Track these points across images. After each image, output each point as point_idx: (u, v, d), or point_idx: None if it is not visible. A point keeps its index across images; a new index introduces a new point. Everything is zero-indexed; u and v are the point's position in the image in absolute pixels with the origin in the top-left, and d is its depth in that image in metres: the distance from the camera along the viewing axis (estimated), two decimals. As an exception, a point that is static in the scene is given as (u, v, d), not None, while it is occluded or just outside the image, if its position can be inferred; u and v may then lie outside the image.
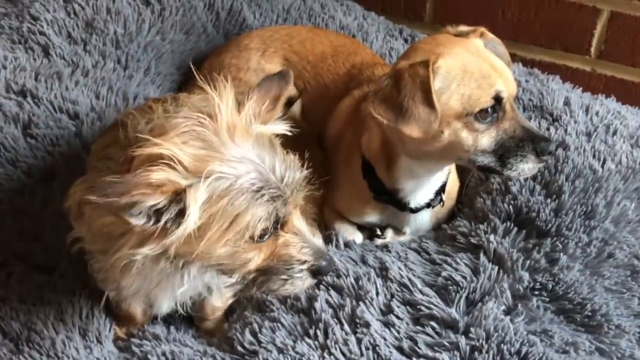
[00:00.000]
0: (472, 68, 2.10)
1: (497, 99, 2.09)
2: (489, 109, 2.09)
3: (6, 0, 3.29)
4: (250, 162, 1.62)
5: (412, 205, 2.44)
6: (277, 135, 1.83)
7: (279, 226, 1.72)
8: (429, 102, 2.04)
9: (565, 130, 2.65)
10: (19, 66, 2.91)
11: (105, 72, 3.00)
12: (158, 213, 1.56)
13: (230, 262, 1.71)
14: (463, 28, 2.32)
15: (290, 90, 2.77)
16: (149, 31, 3.22)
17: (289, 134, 1.84)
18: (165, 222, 1.57)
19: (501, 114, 2.11)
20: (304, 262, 1.77)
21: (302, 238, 1.77)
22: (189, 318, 2.38)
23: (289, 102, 2.68)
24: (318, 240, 1.82)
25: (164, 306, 2.12)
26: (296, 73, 2.82)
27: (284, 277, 1.77)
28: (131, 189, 1.50)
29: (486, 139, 2.11)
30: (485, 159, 2.14)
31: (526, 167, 2.13)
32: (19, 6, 3.20)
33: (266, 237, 1.70)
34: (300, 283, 1.79)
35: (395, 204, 2.45)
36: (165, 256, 1.69)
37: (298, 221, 1.78)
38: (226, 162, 1.60)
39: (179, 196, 1.55)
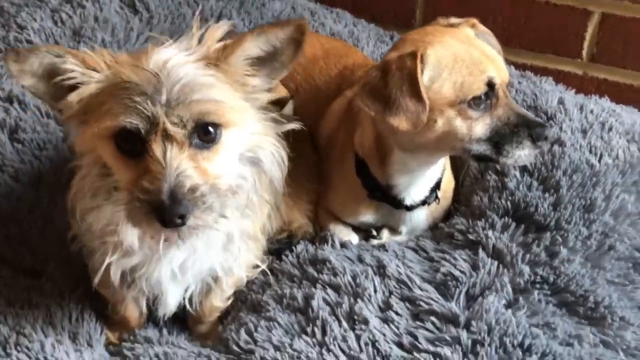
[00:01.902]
0: (463, 55, 2.08)
1: (490, 85, 2.06)
2: (482, 96, 2.06)
3: (-8, 11, 3.27)
4: (154, 76, 1.61)
5: (407, 202, 2.40)
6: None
7: (145, 148, 1.62)
8: (416, 94, 2.01)
9: (561, 128, 2.62)
10: (5, 73, 2.87)
11: (93, 78, 2.97)
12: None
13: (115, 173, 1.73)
14: (454, 20, 2.31)
15: (282, 91, 2.75)
16: (137, 39, 3.20)
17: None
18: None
19: (494, 100, 2.09)
20: (147, 191, 1.60)
21: (163, 170, 1.59)
22: (181, 321, 2.32)
23: (282, 104, 2.64)
24: (184, 181, 1.60)
25: (171, 299, 2.06)
26: (287, 76, 2.78)
27: (132, 203, 1.64)
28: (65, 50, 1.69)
29: (480, 126, 2.08)
30: (480, 147, 2.11)
31: (522, 153, 2.10)
32: (5, 16, 3.19)
33: (132, 155, 1.65)
34: (136, 213, 1.63)
35: (390, 201, 2.41)
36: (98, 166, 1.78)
37: (172, 153, 1.61)
38: (134, 67, 1.64)
39: (87, 74, 1.67)
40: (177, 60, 1.65)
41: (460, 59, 2.07)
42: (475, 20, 2.27)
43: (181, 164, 1.61)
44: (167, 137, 1.61)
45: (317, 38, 3.01)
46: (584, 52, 3.36)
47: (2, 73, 2.88)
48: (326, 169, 2.59)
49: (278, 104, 2.58)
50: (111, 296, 2.16)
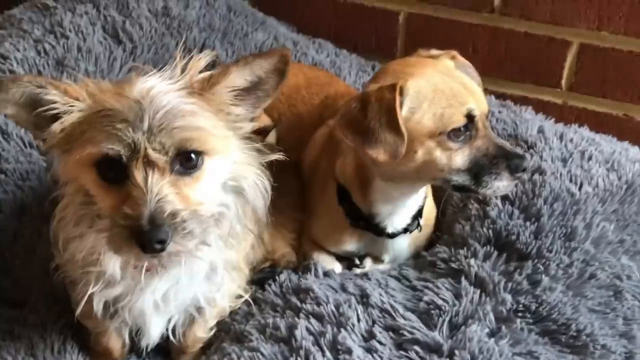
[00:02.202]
0: (443, 87, 2.10)
1: (469, 117, 2.09)
2: (462, 128, 2.08)
3: (-25, 41, 3.27)
4: (136, 102, 1.63)
5: (389, 230, 2.41)
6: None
7: (127, 175, 1.63)
8: (395, 126, 2.03)
9: (541, 157, 2.65)
10: (-13, 104, 2.87)
11: (76, 109, 2.97)
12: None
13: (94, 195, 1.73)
14: (435, 52, 2.33)
15: (265, 119, 2.76)
16: (120, 69, 3.21)
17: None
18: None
19: (474, 132, 2.11)
20: (127, 216, 1.61)
21: (144, 195, 1.60)
22: (164, 352, 2.31)
23: (265, 132, 2.65)
24: (164, 206, 1.61)
25: (153, 331, 2.05)
26: (270, 105, 2.80)
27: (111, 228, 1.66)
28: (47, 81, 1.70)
29: (460, 157, 2.10)
30: (459, 178, 2.13)
31: (501, 184, 2.12)
32: (-12, 46, 3.18)
33: (114, 181, 1.66)
34: (117, 238, 1.63)
35: (372, 229, 2.42)
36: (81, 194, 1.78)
37: (153, 179, 1.62)
38: (116, 95, 1.66)
39: (69, 104, 1.67)
40: (160, 89, 1.67)
41: (440, 90, 2.09)
42: (455, 52, 2.30)
43: (162, 189, 1.62)
44: (149, 163, 1.62)
45: (300, 67, 3.04)
46: (563, 82, 3.40)
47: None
48: (309, 198, 2.60)
49: (261, 133, 2.59)
50: (93, 327, 2.15)
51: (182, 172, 1.67)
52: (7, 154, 2.69)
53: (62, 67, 3.11)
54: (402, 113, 2.06)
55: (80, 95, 1.69)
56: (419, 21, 3.55)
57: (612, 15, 3.18)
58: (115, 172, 1.64)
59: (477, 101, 2.14)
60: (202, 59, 1.75)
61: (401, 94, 2.06)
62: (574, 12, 3.23)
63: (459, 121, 2.08)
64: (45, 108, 1.68)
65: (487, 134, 2.14)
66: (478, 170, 2.11)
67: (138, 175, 1.62)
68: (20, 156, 2.71)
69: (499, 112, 3.04)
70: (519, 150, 2.32)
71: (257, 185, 1.87)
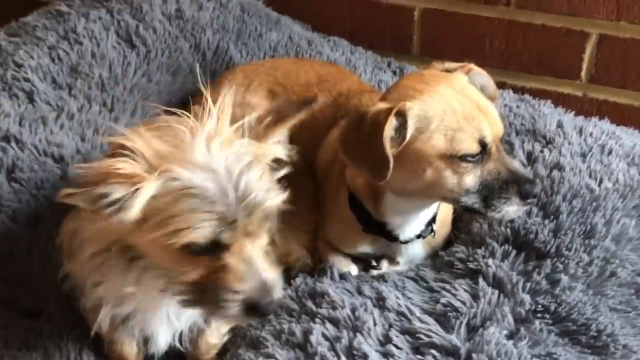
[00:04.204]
0: (455, 107, 2.05)
1: (482, 144, 2.05)
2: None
3: (-11, 50, 3.28)
4: (213, 173, 1.59)
5: (402, 238, 2.39)
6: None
7: (220, 247, 1.63)
8: (380, 150, 2.00)
9: (560, 152, 2.61)
10: (2, 112, 2.86)
11: (90, 114, 2.97)
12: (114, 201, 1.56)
13: (167, 269, 1.70)
14: (449, 64, 2.28)
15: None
16: (134, 74, 3.20)
17: (285, 158, 1.82)
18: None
19: (486, 155, 2.07)
20: (237, 292, 1.65)
21: (248, 268, 1.66)
22: (180, 358, 2.30)
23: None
24: (269, 275, 1.69)
25: (161, 340, 2.05)
26: (283, 106, 2.79)
27: (215, 302, 1.68)
28: (104, 177, 1.53)
29: (470, 178, 2.07)
30: (469, 200, 2.10)
31: (510, 209, 2.09)
32: (3, 54, 3.18)
33: (202, 253, 1.63)
34: (230, 313, 1.68)
35: (385, 235, 2.39)
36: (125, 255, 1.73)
37: (251, 250, 1.67)
38: (187, 164, 1.58)
39: (135, 187, 1.55)
40: (224, 155, 1.63)
41: (451, 111, 2.05)
42: (471, 65, 2.23)
43: (260, 258, 1.68)
44: (245, 234, 1.65)
45: (312, 65, 3.01)
46: (583, 74, 3.34)
47: (0, 111, 2.88)
48: (322, 200, 2.58)
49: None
50: (104, 335, 2.15)
51: None
52: (21, 163, 2.68)
53: (76, 74, 3.11)
54: (408, 133, 2.04)
55: (140, 175, 1.57)
56: (434, 16, 3.50)
57: (631, 4, 3.11)
58: (205, 247, 1.62)
59: (492, 124, 2.09)
60: (227, 97, 1.72)
61: (402, 116, 2.03)
62: (591, 3, 3.17)
63: (471, 148, 2.04)
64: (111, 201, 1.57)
65: (499, 157, 2.10)
66: (488, 193, 2.08)
67: (239, 249, 1.65)
68: (35, 165, 2.69)
69: (517, 106, 3.00)
70: (530, 175, 2.25)
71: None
